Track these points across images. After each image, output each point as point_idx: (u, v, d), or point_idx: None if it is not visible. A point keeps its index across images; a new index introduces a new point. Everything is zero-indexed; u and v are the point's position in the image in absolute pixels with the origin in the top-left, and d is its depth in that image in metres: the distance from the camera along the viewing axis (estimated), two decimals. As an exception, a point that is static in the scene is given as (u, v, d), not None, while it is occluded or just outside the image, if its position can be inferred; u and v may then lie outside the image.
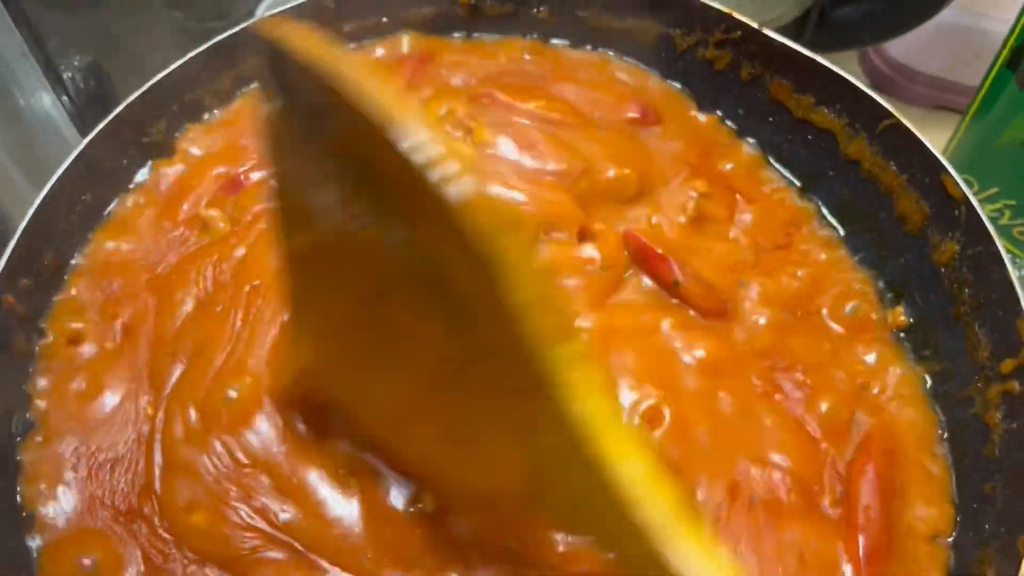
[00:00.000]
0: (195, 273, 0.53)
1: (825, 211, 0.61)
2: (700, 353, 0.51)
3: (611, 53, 0.69)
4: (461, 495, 0.42)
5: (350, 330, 0.38)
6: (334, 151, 0.30)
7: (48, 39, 0.73)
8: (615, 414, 0.28)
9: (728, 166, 0.63)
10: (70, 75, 0.78)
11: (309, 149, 0.32)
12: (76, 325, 0.53)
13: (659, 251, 0.54)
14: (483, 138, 0.58)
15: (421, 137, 0.26)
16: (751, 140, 0.64)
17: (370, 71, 0.28)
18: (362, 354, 0.39)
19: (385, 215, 0.29)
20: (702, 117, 0.65)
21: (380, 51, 0.68)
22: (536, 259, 0.27)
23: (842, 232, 0.60)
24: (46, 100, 0.75)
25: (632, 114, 0.63)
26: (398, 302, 0.33)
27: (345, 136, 0.29)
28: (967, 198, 0.52)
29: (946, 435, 0.50)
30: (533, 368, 0.28)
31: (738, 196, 0.60)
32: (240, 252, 0.54)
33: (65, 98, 0.74)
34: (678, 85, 0.67)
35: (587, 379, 0.28)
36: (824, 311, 0.56)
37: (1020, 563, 0.41)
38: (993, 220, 0.54)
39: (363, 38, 0.68)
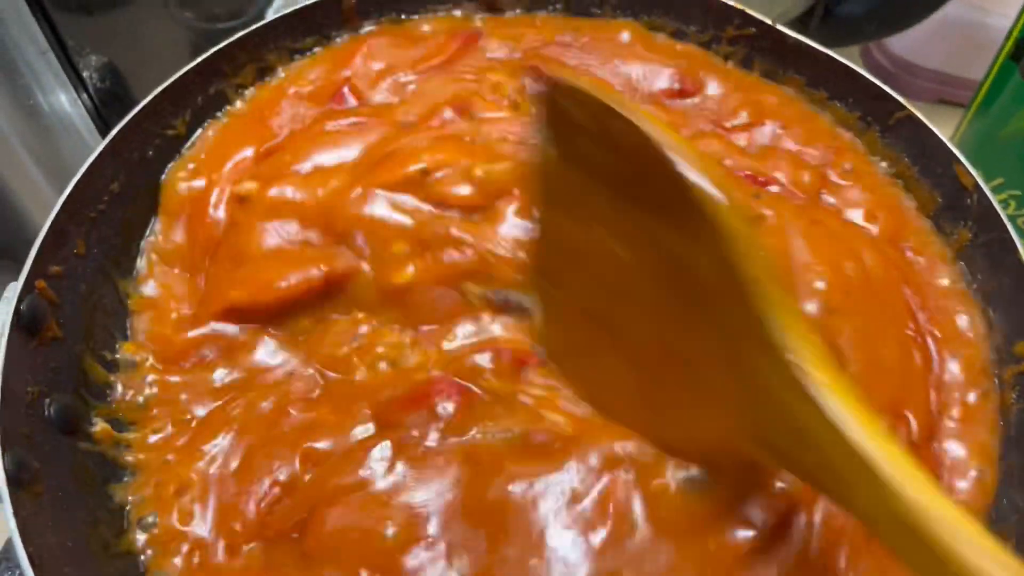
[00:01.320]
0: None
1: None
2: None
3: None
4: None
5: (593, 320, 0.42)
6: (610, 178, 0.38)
7: (67, 39, 0.74)
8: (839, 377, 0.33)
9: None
10: (88, 74, 0.79)
11: (582, 181, 0.39)
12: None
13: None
14: (528, 110, 0.60)
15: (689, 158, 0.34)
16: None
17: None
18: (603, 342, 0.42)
19: (651, 224, 0.36)
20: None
21: (426, 27, 0.69)
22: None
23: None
24: (64, 99, 0.76)
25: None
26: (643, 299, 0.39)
27: (625, 162, 0.36)
28: (979, 187, 0.54)
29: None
30: (764, 333, 0.33)
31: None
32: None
33: (85, 96, 0.75)
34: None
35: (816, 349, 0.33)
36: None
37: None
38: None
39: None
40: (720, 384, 0.37)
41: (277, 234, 0.55)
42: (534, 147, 0.40)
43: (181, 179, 0.60)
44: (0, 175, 0.78)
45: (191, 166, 0.61)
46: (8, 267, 0.84)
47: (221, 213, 0.58)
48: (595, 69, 0.65)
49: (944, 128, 0.83)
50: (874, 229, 0.56)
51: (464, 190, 0.54)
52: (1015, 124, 0.76)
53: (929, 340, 0.52)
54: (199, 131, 0.63)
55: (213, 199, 0.59)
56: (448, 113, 0.60)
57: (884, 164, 0.60)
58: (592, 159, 0.39)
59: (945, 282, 0.55)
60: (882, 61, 1.00)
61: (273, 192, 0.56)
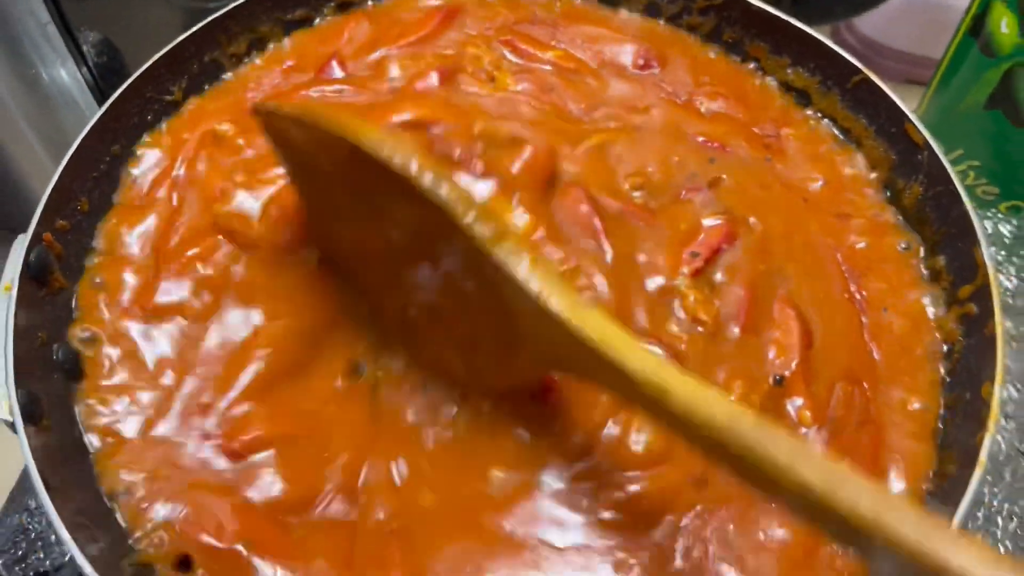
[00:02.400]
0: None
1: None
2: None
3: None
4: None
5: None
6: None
7: (67, 13, 0.77)
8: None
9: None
10: (87, 48, 0.81)
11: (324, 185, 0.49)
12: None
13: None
14: (506, 84, 0.64)
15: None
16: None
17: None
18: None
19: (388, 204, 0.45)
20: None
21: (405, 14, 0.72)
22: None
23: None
24: (65, 72, 0.79)
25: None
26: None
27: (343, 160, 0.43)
28: (928, 143, 0.57)
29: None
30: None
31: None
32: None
33: (84, 69, 0.78)
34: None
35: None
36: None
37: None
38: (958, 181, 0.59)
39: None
40: (492, 321, 0.43)
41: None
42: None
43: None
44: (7, 151, 0.81)
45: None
46: (5, 237, 0.87)
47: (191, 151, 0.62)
48: (565, 45, 0.69)
49: (909, 105, 0.87)
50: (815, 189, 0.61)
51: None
52: (973, 97, 0.79)
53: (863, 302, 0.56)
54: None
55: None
56: (433, 78, 0.63)
57: (836, 131, 0.64)
58: (319, 165, 0.47)
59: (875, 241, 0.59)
60: (851, 41, 1.03)
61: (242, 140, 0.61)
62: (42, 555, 0.60)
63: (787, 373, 0.51)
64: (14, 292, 0.51)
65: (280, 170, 0.57)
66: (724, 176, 0.59)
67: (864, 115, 0.62)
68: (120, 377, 0.53)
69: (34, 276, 0.53)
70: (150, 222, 0.59)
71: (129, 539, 0.47)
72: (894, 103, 0.60)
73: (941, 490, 0.48)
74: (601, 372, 0.37)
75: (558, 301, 0.38)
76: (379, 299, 0.51)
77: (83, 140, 0.58)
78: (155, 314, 0.54)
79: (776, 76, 0.67)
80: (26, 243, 0.54)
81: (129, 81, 0.61)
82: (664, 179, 0.59)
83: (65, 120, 0.80)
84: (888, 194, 0.61)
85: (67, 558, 0.60)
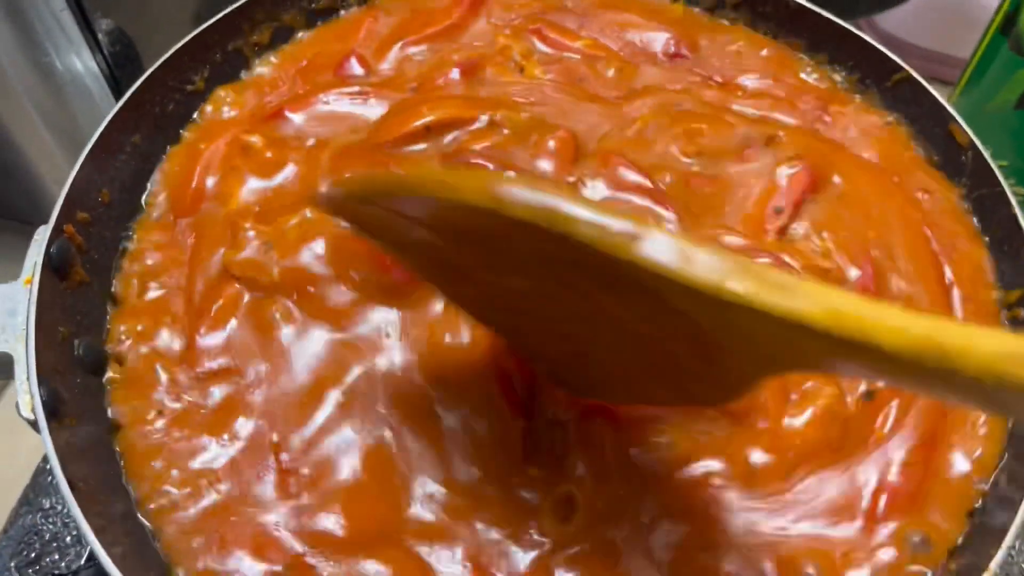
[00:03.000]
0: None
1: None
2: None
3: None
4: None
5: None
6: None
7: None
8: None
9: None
10: (101, 36, 0.80)
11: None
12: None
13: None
14: (534, 74, 0.63)
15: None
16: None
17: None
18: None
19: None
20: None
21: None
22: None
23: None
24: (79, 61, 0.77)
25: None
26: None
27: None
28: (974, 144, 0.56)
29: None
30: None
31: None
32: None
33: (99, 57, 0.76)
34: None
35: None
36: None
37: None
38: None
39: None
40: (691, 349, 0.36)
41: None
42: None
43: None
44: (12, 134, 0.80)
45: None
46: (17, 229, 0.85)
47: (217, 160, 0.60)
48: (594, 34, 0.67)
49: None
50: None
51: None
52: (1002, 96, 0.78)
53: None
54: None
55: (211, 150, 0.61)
56: (455, 73, 0.62)
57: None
58: (427, 236, 0.38)
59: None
60: (872, 37, 1.02)
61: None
62: (57, 556, 0.59)
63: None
64: (35, 285, 0.50)
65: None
66: (780, 133, 0.57)
67: (905, 114, 0.61)
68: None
69: (55, 269, 0.52)
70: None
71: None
72: (937, 102, 0.58)
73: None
74: (850, 357, 0.30)
75: (788, 301, 0.29)
76: (542, 352, 0.46)
77: (105, 129, 0.56)
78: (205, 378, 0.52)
79: (814, 72, 0.65)
80: (47, 235, 0.52)
81: (152, 69, 0.59)
82: (719, 144, 0.57)
83: (79, 110, 0.78)
84: (931, 195, 0.59)
85: (83, 560, 0.59)
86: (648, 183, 0.54)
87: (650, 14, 0.69)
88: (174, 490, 0.47)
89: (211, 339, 0.52)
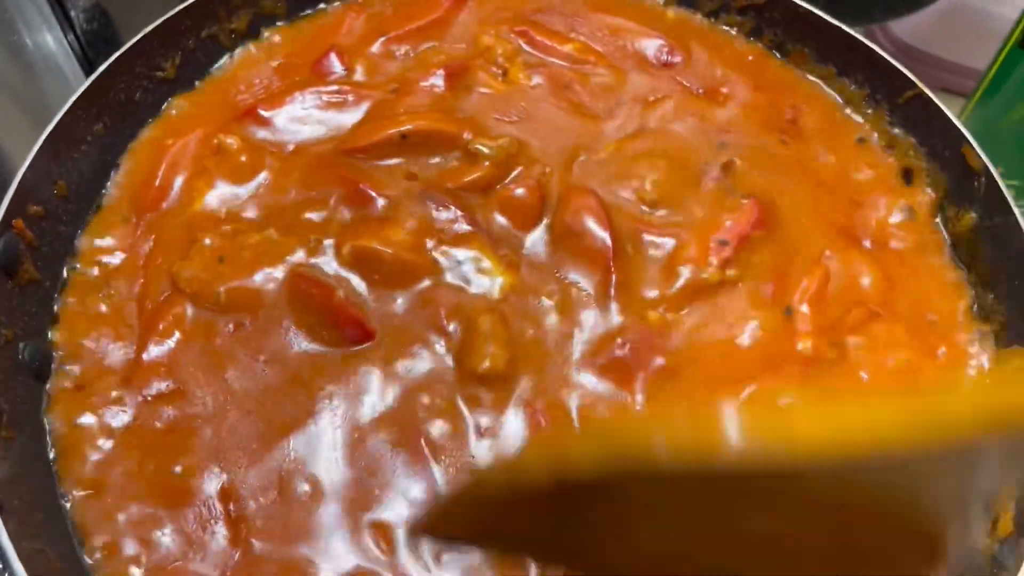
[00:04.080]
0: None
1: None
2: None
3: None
4: None
5: None
6: None
7: (55, -25, 0.71)
8: None
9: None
10: (75, 14, 0.76)
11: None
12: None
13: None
14: (517, 78, 0.60)
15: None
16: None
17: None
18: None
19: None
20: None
21: None
22: None
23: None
24: (50, 39, 0.73)
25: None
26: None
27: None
28: (988, 170, 0.53)
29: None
30: None
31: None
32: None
33: (71, 36, 0.73)
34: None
35: None
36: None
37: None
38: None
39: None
40: None
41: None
42: None
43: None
44: (-20, 114, 0.76)
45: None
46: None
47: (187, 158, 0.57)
48: (584, 37, 0.64)
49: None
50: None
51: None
52: (1018, 112, 0.75)
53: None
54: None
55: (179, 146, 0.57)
56: (438, 78, 0.59)
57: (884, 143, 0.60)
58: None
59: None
60: (886, 45, 0.98)
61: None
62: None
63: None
64: (-23, 284, 0.46)
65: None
66: (737, 161, 0.56)
67: (915, 135, 0.57)
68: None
69: (2, 267, 0.48)
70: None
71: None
72: (951, 122, 0.55)
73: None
74: None
75: None
76: None
77: (64, 116, 0.53)
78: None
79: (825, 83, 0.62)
80: (-7, 232, 0.48)
81: (118, 54, 0.56)
82: (677, 180, 0.56)
83: (49, 90, 0.75)
84: (938, 219, 0.56)
85: None
86: (606, 237, 0.51)
87: (643, 19, 0.65)
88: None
89: (157, 357, 0.49)
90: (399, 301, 0.50)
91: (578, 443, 0.29)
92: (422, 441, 0.45)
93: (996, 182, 0.52)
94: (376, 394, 0.47)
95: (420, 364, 0.48)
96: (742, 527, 0.31)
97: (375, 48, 0.62)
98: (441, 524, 0.37)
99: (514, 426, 0.46)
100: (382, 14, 0.64)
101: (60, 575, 0.42)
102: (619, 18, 0.65)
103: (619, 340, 0.49)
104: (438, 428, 0.46)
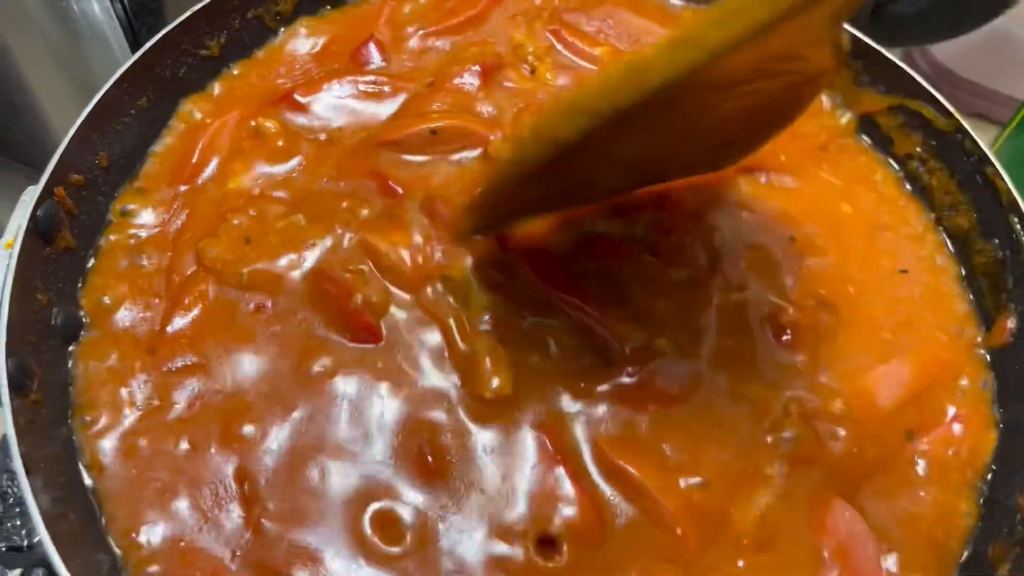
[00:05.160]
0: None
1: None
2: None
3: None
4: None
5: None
6: None
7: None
8: None
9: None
10: (124, -20, 0.77)
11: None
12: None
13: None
14: (544, 78, 0.61)
15: None
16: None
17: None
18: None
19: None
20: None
21: None
22: None
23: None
24: (96, 7, 0.74)
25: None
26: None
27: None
28: (1018, 206, 0.53)
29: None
30: None
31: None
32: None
33: (117, 5, 0.74)
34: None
35: None
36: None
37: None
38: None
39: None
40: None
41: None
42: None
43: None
44: (24, 74, 0.77)
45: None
46: (24, 172, 0.83)
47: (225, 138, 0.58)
48: (613, 39, 0.65)
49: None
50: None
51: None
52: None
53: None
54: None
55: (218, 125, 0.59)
56: (472, 74, 0.59)
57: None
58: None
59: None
60: (923, 66, 0.98)
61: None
62: (19, 523, 0.57)
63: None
64: (16, 250, 0.47)
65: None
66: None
67: (946, 163, 0.57)
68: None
69: (40, 233, 0.49)
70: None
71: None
72: (985, 155, 0.55)
73: None
74: None
75: None
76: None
77: (109, 89, 0.54)
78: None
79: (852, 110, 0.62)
80: (35, 196, 0.49)
81: (165, 31, 0.57)
82: None
83: (94, 57, 0.76)
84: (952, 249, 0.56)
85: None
86: None
87: (669, 21, 0.66)
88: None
89: (181, 329, 0.50)
90: (408, 299, 0.51)
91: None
92: (424, 444, 0.46)
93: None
94: (381, 394, 0.48)
95: (424, 378, 0.49)
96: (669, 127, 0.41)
97: (413, 40, 0.63)
98: (477, 218, 0.48)
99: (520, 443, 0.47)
100: (422, 6, 0.65)
101: (80, 537, 0.43)
102: (646, 20, 0.66)
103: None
104: (443, 437, 0.47)
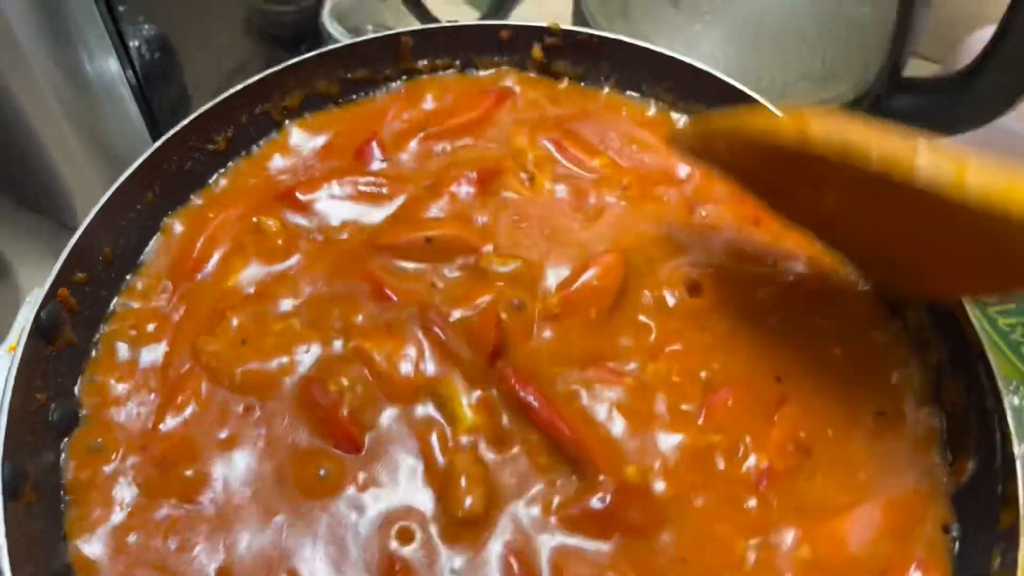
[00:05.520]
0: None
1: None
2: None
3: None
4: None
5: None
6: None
7: (118, 3, 0.73)
8: None
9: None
10: (136, 44, 0.79)
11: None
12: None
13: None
14: (542, 187, 0.63)
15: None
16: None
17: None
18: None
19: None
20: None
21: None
22: None
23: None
24: (113, 69, 0.76)
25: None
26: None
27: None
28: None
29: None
30: None
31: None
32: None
33: (130, 72, 0.75)
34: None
35: None
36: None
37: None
38: (1004, 334, 0.54)
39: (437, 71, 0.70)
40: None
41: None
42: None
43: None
44: (36, 131, 0.79)
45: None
46: (39, 222, 0.85)
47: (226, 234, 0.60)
48: (613, 154, 0.66)
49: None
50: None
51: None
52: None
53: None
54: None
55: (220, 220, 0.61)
56: (468, 183, 0.61)
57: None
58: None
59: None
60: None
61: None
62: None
63: None
64: (18, 354, 0.50)
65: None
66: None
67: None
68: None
69: (43, 335, 0.52)
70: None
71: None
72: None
73: None
74: None
75: None
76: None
77: (117, 188, 0.56)
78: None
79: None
80: (40, 298, 0.52)
81: (172, 131, 0.59)
82: None
83: (107, 114, 0.77)
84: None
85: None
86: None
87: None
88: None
89: (173, 428, 0.52)
90: (388, 413, 0.53)
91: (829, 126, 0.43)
92: (394, 560, 0.48)
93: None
94: (357, 505, 0.50)
95: (399, 492, 0.51)
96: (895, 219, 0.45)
97: (414, 142, 0.64)
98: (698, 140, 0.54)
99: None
100: (426, 108, 0.67)
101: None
102: (645, 131, 0.67)
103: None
104: (410, 551, 0.49)
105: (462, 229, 0.59)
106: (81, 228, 0.54)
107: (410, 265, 0.58)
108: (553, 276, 0.58)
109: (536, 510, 0.50)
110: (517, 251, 0.59)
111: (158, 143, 0.58)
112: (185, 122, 0.59)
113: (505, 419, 0.53)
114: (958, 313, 0.56)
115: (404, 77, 0.69)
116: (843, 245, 0.55)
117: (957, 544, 0.52)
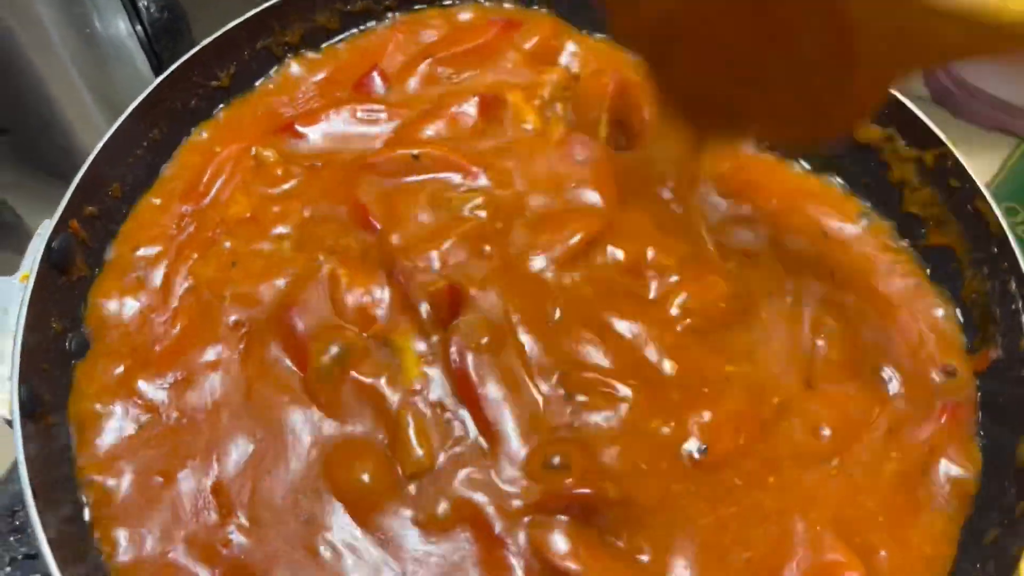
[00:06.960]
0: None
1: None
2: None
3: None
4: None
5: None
6: None
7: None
8: None
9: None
10: (145, 3, 0.79)
11: None
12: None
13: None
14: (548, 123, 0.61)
15: None
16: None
17: None
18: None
19: None
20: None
21: (465, 15, 0.69)
22: None
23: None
24: (122, 27, 0.77)
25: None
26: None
27: None
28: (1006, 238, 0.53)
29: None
30: None
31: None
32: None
33: (139, 27, 0.76)
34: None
35: None
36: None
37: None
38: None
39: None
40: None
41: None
42: None
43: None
44: (54, 96, 0.80)
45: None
46: (56, 185, 0.86)
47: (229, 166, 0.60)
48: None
49: (994, 157, 0.82)
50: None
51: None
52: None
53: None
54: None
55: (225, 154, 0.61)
56: (471, 105, 0.60)
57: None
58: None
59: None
60: (943, 79, 0.97)
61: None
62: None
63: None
64: (31, 283, 0.50)
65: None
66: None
67: (940, 190, 0.57)
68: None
69: (55, 265, 0.52)
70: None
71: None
72: (975, 186, 0.55)
73: None
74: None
75: None
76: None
77: (121, 124, 0.56)
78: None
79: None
80: (51, 229, 0.52)
81: (174, 67, 0.59)
82: None
83: (117, 72, 0.78)
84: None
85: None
86: None
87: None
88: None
89: (173, 348, 0.53)
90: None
91: None
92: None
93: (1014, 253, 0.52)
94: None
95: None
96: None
97: (423, 65, 0.64)
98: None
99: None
100: (427, 39, 0.66)
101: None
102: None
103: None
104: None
105: (452, 150, 0.58)
106: (87, 162, 0.55)
107: (401, 180, 0.57)
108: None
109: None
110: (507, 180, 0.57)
111: (160, 78, 0.59)
112: (186, 56, 0.60)
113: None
114: (977, 200, 0.55)
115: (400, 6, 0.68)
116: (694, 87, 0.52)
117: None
